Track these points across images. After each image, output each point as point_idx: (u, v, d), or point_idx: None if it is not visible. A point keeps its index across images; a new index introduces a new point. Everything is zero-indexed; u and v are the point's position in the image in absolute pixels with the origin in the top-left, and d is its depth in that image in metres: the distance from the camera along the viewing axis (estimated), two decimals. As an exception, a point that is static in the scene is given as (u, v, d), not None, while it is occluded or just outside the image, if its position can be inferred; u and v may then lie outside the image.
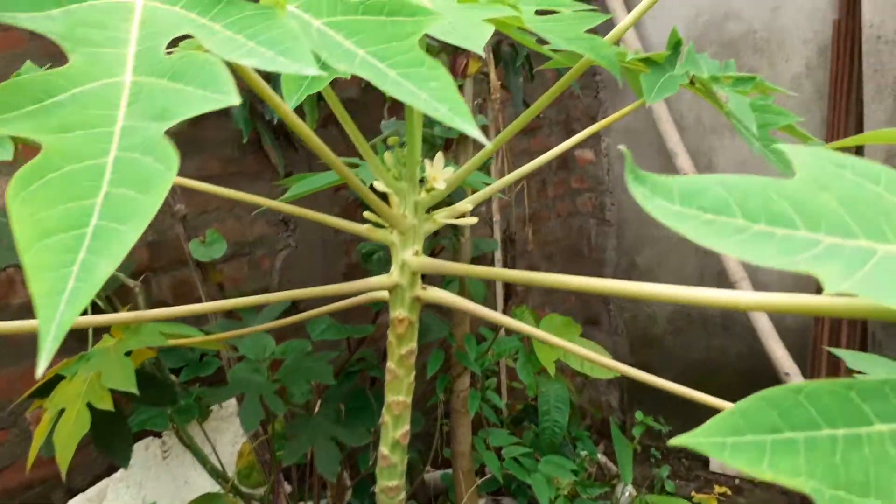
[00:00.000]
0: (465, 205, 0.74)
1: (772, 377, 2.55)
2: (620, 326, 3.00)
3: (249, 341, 1.41)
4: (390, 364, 0.77)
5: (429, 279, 1.05)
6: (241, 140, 1.74)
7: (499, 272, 0.64)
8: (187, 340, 0.98)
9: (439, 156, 0.68)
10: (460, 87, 1.49)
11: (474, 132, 0.31)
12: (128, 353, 0.96)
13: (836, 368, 2.34)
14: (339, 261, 2.08)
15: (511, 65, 1.71)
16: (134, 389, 0.85)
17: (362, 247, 1.70)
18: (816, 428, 0.22)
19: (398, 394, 0.77)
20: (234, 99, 0.31)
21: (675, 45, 0.94)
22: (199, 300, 1.55)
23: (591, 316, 3.02)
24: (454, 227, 1.44)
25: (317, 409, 1.34)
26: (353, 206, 2.12)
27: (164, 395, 1.03)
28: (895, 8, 2.06)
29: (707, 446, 0.23)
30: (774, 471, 0.21)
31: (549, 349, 1.77)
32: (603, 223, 2.96)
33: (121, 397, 1.02)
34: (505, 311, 1.76)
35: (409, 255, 0.73)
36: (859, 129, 2.23)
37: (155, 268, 1.69)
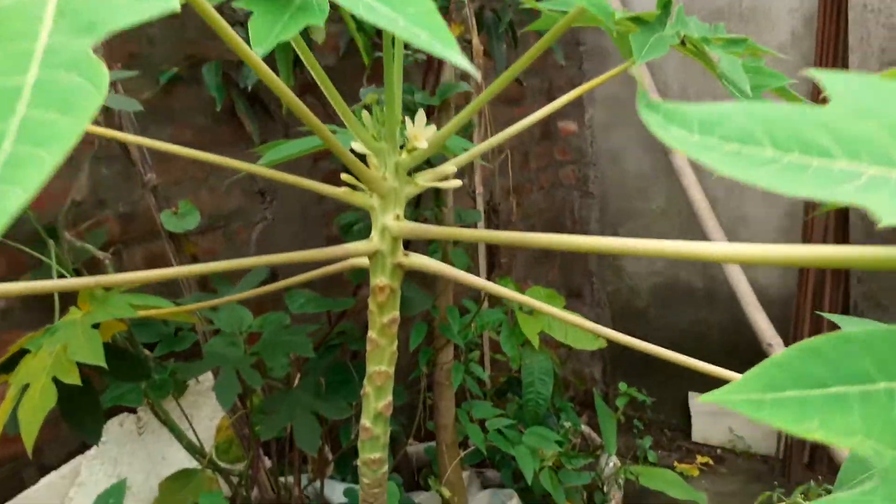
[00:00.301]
0: (448, 167, 0.70)
1: (756, 349, 2.56)
2: (603, 299, 2.99)
3: (225, 314, 1.37)
4: (372, 334, 0.74)
5: (413, 250, 1.02)
6: (214, 108, 1.68)
7: (484, 234, 0.60)
8: (159, 311, 0.94)
9: (421, 114, 0.64)
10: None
11: (456, 58, 0.28)
12: (96, 326, 0.92)
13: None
14: (318, 233, 2.04)
15: (494, 31, 1.66)
16: (102, 363, 0.81)
17: (341, 218, 1.66)
18: (871, 381, 0.19)
19: (380, 363, 0.74)
20: (172, 4, 0.27)
21: (665, 5, 0.90)
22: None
23: (573, 289, 3.01)
24: (437, 197, 1.41)
25: (296, 382, 1.30)
26: (333, 178, 2.07)
27: (136, 370, 0.99)
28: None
29: (742, 404, 0.20)
30: (825, 430, 0.18)
31: (533, 321, 1.75)
32: (586, 195, 2.93)
33: (91, 372, 0.98)
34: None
35: (390, 220, 0.70)
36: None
37: (126, 240, 1.64)
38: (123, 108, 1.03)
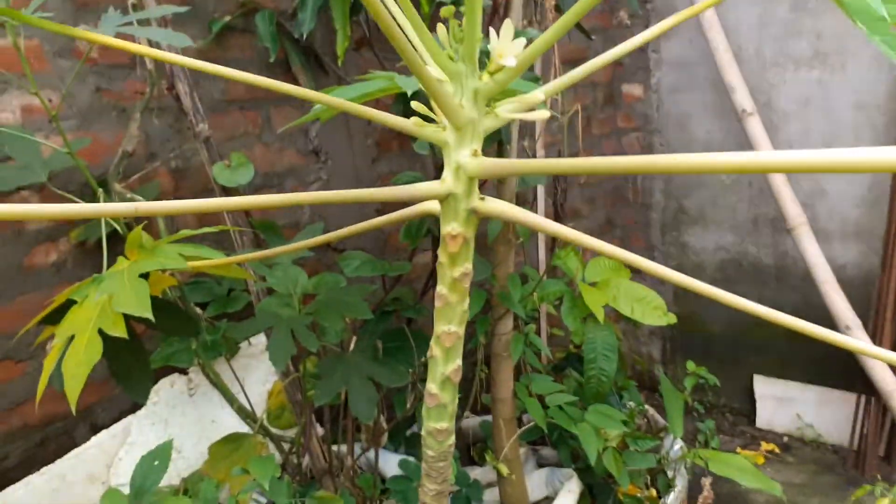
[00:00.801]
0: (536, 94, 0.61)
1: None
2: (665, 274, 2.85)
3: (280, 273, 1.31)
4: (441, 288, 0.65)
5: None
6: (267, 60, 1.62)
7: (576, 163, 0.51)
8: (211, 263, 0.87)
9: (508, 24, 0.55)
10: (510, -3, 1.34)
11: None
12: (145, 276, 0.86)
13: (901, 321, 2.19)
14: (372, 196, 1.96)
15: (563, -25, 1.54)
16: (148, 314, 0.75)
17: (399, 178, 1.57)
18: None
19: (450, 322, 0.66)
20: None
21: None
22: (225, 232, 1.45)
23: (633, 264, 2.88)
24: (500, 154, 1.31)
25: (351, 346, 1.24)
26: (389, 138, 1.99)
27: (186, 326, 0.93)
28: None
29: None
30: None
31: (598, 292, 1.65)
32: (650, 165, 2.78)
33: (140, 328, 0.92)
34: (549, 257, 1.63)
35: (466, 156, 0.61)
36: (945, 59, 2.02)
37: (179, 195, 1.59)
38: (172, 44, 0.96)
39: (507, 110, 0.62)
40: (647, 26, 2.64)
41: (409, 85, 1.01)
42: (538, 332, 2.14)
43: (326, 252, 1.84)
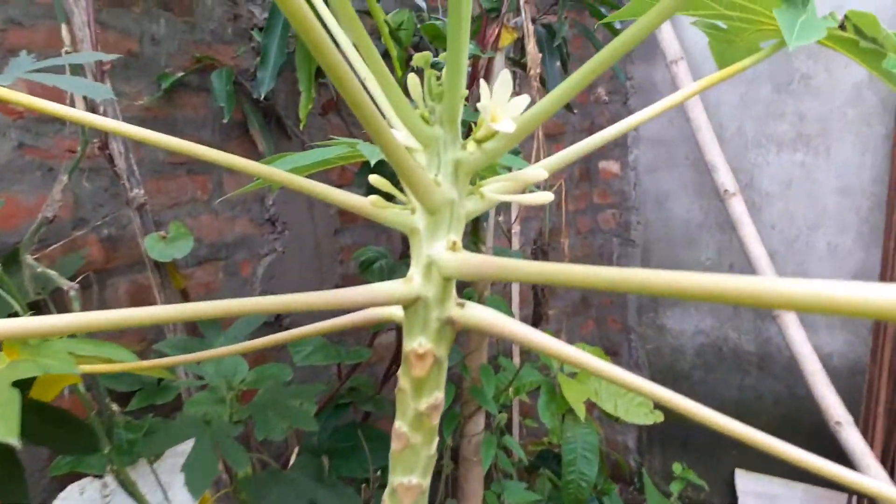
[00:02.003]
0: (535, 170, 0.46)
1: (814, 426, 2.26)
2: (642, 359, 2.71)
3: (214, 363, 1.12)
4: (400, 425, 0.48)
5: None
6: (222, 121, 1.47)
7: (580, 271, 0.36)
8: (110, 368, 0.69)
9: (505, 75, 0.40)
10: (490, 60, 1.22)
11: None
12: (24, 383, 0.67)
13: (894, 418, 2.05)
14: (333, 271, 1.79)
15: (547, 46, 1.44)
16: (13, 439, 0.56)
17: (360, 253, 1.41)
18: None
19: (411, 472, 0.48)
20: None
21: (817, -25, 0.67)
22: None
23: (610, 347, 2.73)
24: (474, 231, 1.16)
25: (293, 459, 1.04)
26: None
27: (82, 440, 0.74)
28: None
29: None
30: None
31: (579, 385, 1.49)
32: (627, 243, 2.68)
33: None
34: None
35: (442, 251, 0.45)
36: (931, 146, 1.97)
37: (110, 267, 1.40)
38: (92, 96, 0.80)
39: (496, 190, 0.47)
40: (624, 102, 2.57)
41: (373, 153, 0.86)
42: (510, 423, 1.95)
43: (276, 330, 1.65)
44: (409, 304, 0.46)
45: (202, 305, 0.42)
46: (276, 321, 1.67)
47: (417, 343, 0.47)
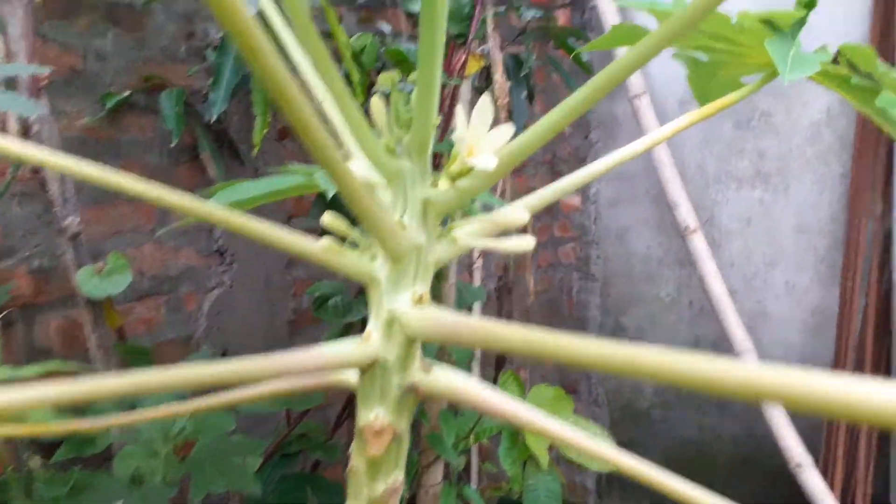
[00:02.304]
0: (518, 213, 0.39)
1: (774, 467, 2.23)
2: (601, 397, 2.66)
3: (150, 406, 1.02)
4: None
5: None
6: (170, 144, 1.38)
7: (566, 343, 0.30)
8: (12, 433, 0.60)
9: (485, 101, 0.34)
10: (456, 88, 1.17)
11: None
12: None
13: (853, 460, 2.04)
14: (285, 306, 1.70)
15: (514, 76, 1.40)
16: None
17: (314, 288, 1.33)
18: None
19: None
20: None
21: (810, 3, 0.63)
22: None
23: (568, 383, 2.68)
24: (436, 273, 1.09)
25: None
26: (312, 237, 1.75)
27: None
28: (935, 54, 1.84)
29: None
30: None
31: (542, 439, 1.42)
32: (587, 277, 2.64)
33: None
34: (495, 379, 1.41)
35: (406, 305, 0.38)
36: (887, 185, 1.98)
37: (40, 302, 1.29)
38: (17, 112, 0.72)
39: (471, 234, 0.40)
40: (586, 136, 2.56)
41: (329, 184, 0.79)
42: (468, 467, 1.87)
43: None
44: (366, 368, 0.39)
45: (97, 385, 0.34)
46: (223, 357, 1.57)
47: (374, 415, 0.40)
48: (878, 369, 2.01)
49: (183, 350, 1.51)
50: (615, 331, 2.61)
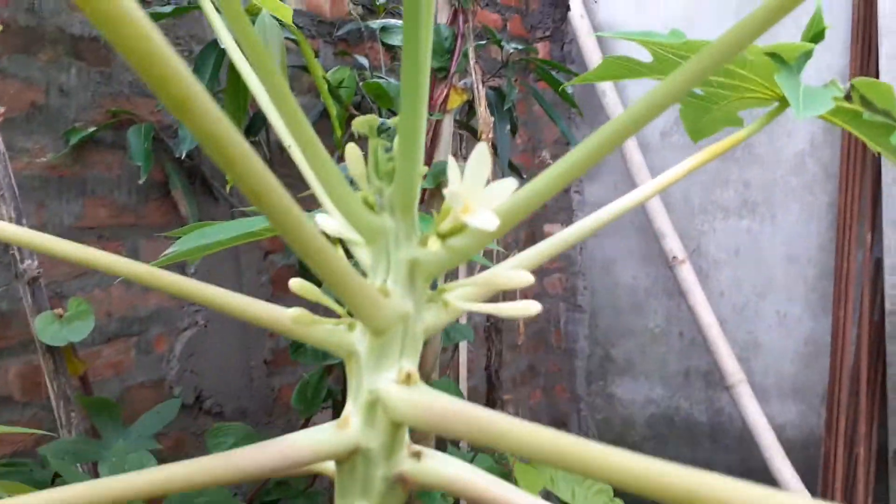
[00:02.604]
0: (520, 275, 0.34)
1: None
2: (592, 429, 2.60)
3: (117, 461, 0.95)
4: None
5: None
6: (138, 181, 1.32)
7: (551, 441, 0.25)
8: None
9: (482, 149, 0.29)
10: (438, 123, 1.12)
11: None
12: None
13: (852, 490, 1.99)
14: (261, 346, 1.63)
15: (497, 110, 1.36)
16: None
17: (293, 330, 1.26)
18: None
19: None
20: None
21: (817, 36, 0.59)
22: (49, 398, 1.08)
23: (558, 416, 2.62)
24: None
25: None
26: (288, 275, 1.69)
27: None
28: (919, 81, 1.83)
29: None
30: None
31: (535, 473, 1.36)
32: (574, 308, 2.60)
33: None
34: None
35: (390, 384, 0.32)
36: (875, 213, 1.96)
37: (0, 348, 1.21)
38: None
39: (465, 297, 0.35)
40: (570, 165, 2.52)
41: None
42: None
43: (197, 417, 1.48)
44: (344, 458, 0.33)
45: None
46: (196, 403, 1.50)
47: (356, 508, 0.34)
48: (874, 399, 1.97)
49: (154, 394, 1.43)
50: (603, 362, 2.56)
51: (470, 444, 1.57)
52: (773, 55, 0.57)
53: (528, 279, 0.33)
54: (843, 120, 0.61)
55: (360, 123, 0.30)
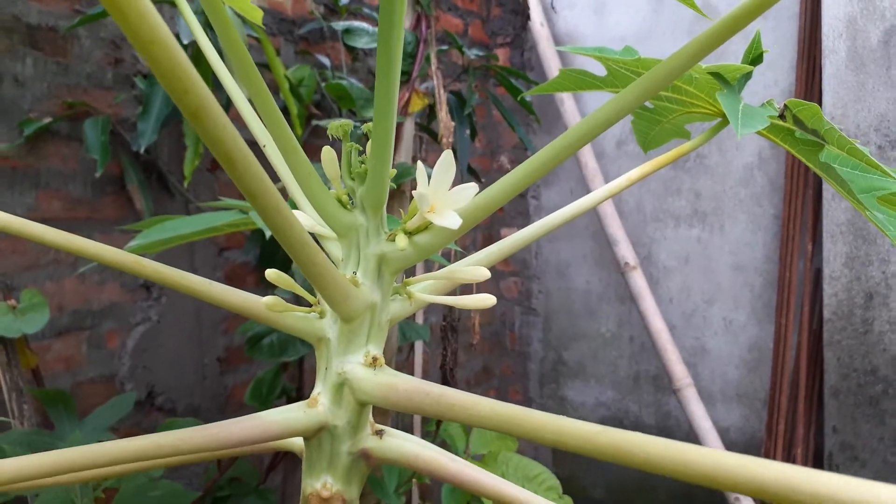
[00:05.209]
0: (478, 270, 0.37)
1: (713, 500, 2.26)
2: (542, 431, 2.64)
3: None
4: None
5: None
6: (94, 175, 1.31)
7: (533, 418, 0.27)
8: None
9: (448, 156, 0.31)
10: (400, 126, 1.14)
11: None
12: None
13: (787, 493, 2.07)
14: (215, 343, 1.63)
15: (457, 115, 1.39)
16: None
17: (247, 327, 1.28)
18: None
19: None
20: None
21: (755, 59, 0.63)
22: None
23: (510, 417, 2.65)
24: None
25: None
26: (243, 272, 1.69)
27: None
28: (857, 101, 1.93)
29: None
30: None
31: (489, 468, 1.38)
32: (529, 312, 2.64)
33: None
34: (438, 423, 1.37)
35: (358, 367, 0.35)
36: (816, 225, 2.06)
37: (-54, 341, 1.19)
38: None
39: (428, 290, 0.37)
40: (527, 171, 2.57)
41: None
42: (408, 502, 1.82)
43: (148, 413, 1.46)
44: (312, 434, 0.36)
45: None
46: (148, 399, 1.49)
47: (321, 483, 0.36)
48: (811, 403, 2.06)
49: (105, 390, 1.42)
50: (556, 365, 2.61)
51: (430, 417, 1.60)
52: (717, 75, 0.61)
53: (485, 274, 0.35)
54: (779, 137, 0.65)
55: (335, 128, 0.32)
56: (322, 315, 0.36)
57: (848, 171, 0.64)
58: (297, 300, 0.48)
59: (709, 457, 0.25)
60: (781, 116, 0.62)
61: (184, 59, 0.20)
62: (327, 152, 0.33)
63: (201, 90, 0.21)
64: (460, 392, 0.30)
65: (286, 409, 0.35)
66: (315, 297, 0.37)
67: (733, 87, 0.63)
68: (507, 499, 0.38)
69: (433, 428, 1.57)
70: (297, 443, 0.38)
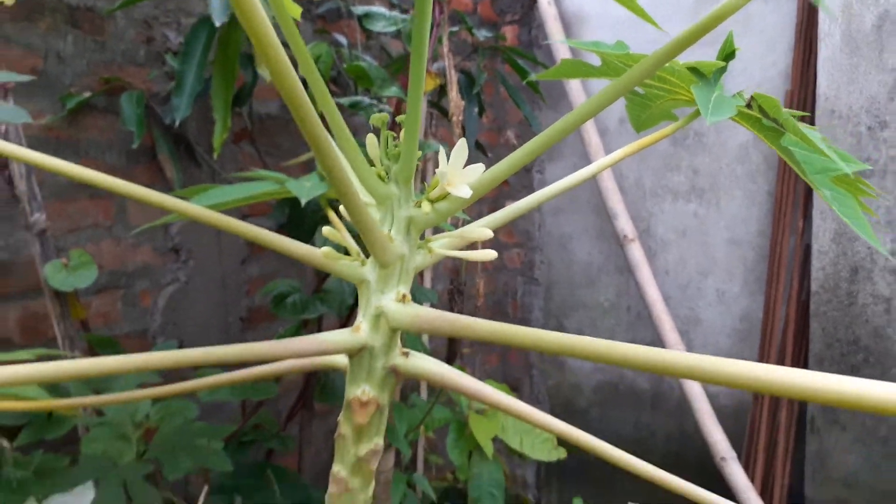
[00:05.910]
0: (482, 230, 0.48)
1: (700, 461, 2.39)
2: (542, 394, 2.78)
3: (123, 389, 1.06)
4: (339, 469, 0.48)
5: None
6: (129, 146, 1.41)
7: (523, 333, 0.39)
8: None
9: (462, 144, 0.42)
10: (415, 104, 1.24)
11: None
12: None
13: (773, 454, 2.20)
14: (238, 303, 1.75)
15: (466, 93, 1.48)
16: None
17: (271, 287, 1.39)
18: None
19: (348, 521, 0.48)
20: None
21: (728, 56, 0.73)
22: (53, 340, 1.19)
23: (511, 381, 2.79)
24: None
25: (202, 499, 1.00)
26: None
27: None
28: (850, 83, 2.01)
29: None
30: None
31: (487, 422, 1.51)
32: (531, 281, 2.76)
33: None
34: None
35: (391, 302, 0.46)
36: (808, 202, 2.15)
37: (1, 295, 1.31)
38: (7, 121, 0.76)
39: (443, 246, 0.48)
40: (533, 146, 2.67)
41: (302, 192, 0.86)
42: (415, 459, 1.95)
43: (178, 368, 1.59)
44: (355, 352, 0.47)
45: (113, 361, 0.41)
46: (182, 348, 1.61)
47: (361, 390, 0.47)
48: (795, 371, 2.17)
49: (139, 344, 1.54)
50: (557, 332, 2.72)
51: (445, 337, 1.72)
52: (693, 69, 0.71)
53: (490, 234, 0.46)
54: (749, 123, 0.76)
55: (376, 119, 0.43)
56: (363, 263, 0.47)
57: (804, 154, 0.74)
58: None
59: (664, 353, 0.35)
60: (748, 106, 0.72)
61: (293, 76, 0.30)
62: (371, 139, 0.44)
63: (300, 94, 0.31)
64: (467, 317, 0.42)
65: (337, 332, 0.46)
66: (356, 250, 0.48)
67: (709, 80, 0.73)
68: (503, 405, 0.49)
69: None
70: (341, 361, 0.50)
